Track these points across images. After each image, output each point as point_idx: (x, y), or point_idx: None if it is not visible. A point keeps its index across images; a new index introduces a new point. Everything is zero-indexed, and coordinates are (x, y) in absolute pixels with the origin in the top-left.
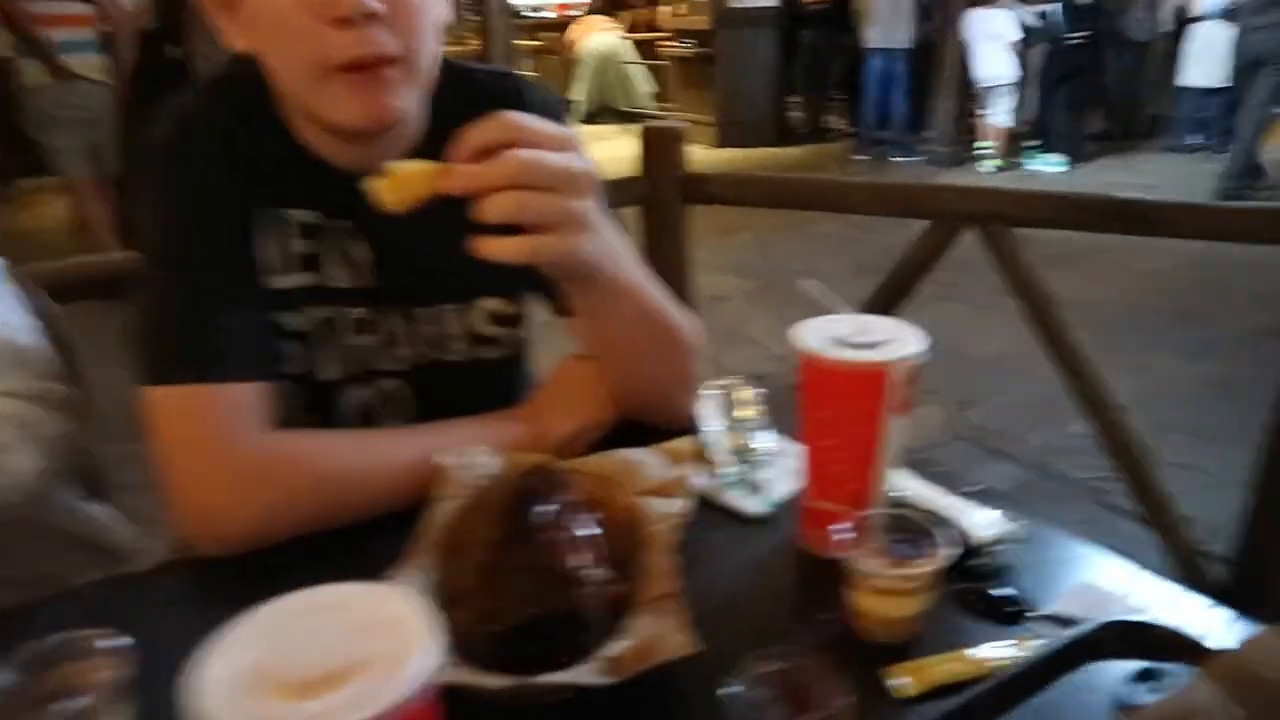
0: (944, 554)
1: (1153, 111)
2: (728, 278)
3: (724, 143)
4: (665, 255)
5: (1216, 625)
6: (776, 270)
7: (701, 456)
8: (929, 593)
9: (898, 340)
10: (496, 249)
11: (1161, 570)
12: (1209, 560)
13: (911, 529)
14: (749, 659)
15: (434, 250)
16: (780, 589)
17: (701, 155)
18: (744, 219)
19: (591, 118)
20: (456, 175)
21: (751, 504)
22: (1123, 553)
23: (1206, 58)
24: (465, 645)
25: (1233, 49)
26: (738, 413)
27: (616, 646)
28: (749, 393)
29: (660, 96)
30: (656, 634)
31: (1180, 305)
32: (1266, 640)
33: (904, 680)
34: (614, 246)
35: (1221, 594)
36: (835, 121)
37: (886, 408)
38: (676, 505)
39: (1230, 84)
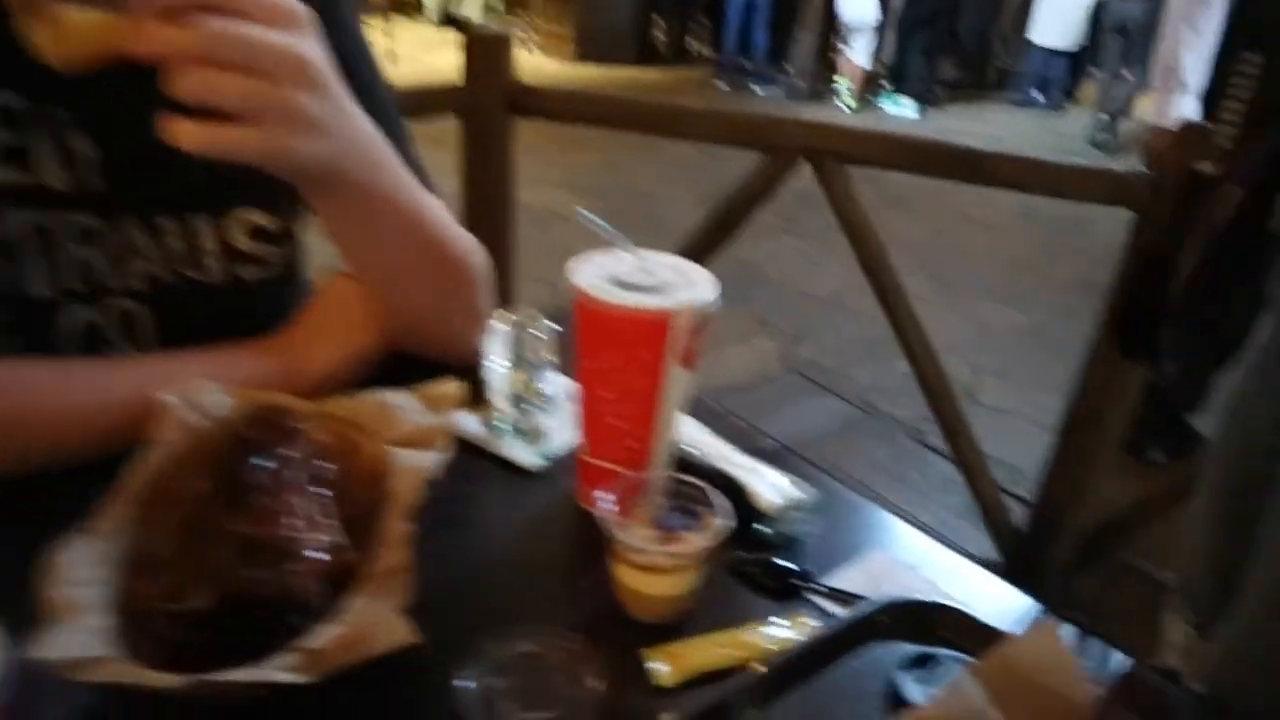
0: (717, 528)
1: (1001, 65)
2: (571, 195)
3: (582, 58)
4: (486, 169)
5: (1001, 605)
6: (624, 190)
7: (465, 401)
8: (698, 570)
9: (686, 284)
10: (180, 134)
11: (967, 509)
12: (1011, 500)
13: (688, 496)
14: (491, 642)
15: (177, 149)
16: (550, 555)
17: (555, 69)
18: (596, 137)
19: (449, 22)
20: (136, 35)
21: (527, 455)
22: (934, 491)
23: (1057, 17)
24: (145, 628)
25: (1092, 13)
26: (528, 352)
27: (321, 635)
28: (543, 329)
29: (518, 4)
30: (370, 620)
31: (1009, 255)
32: (1035, 638)
33: (663, 667)
34: (368, 152)
35: (1018, 540)
36: (699, 46)
37: (669, 359)
38: (427, 459)
39: (1078, 48)
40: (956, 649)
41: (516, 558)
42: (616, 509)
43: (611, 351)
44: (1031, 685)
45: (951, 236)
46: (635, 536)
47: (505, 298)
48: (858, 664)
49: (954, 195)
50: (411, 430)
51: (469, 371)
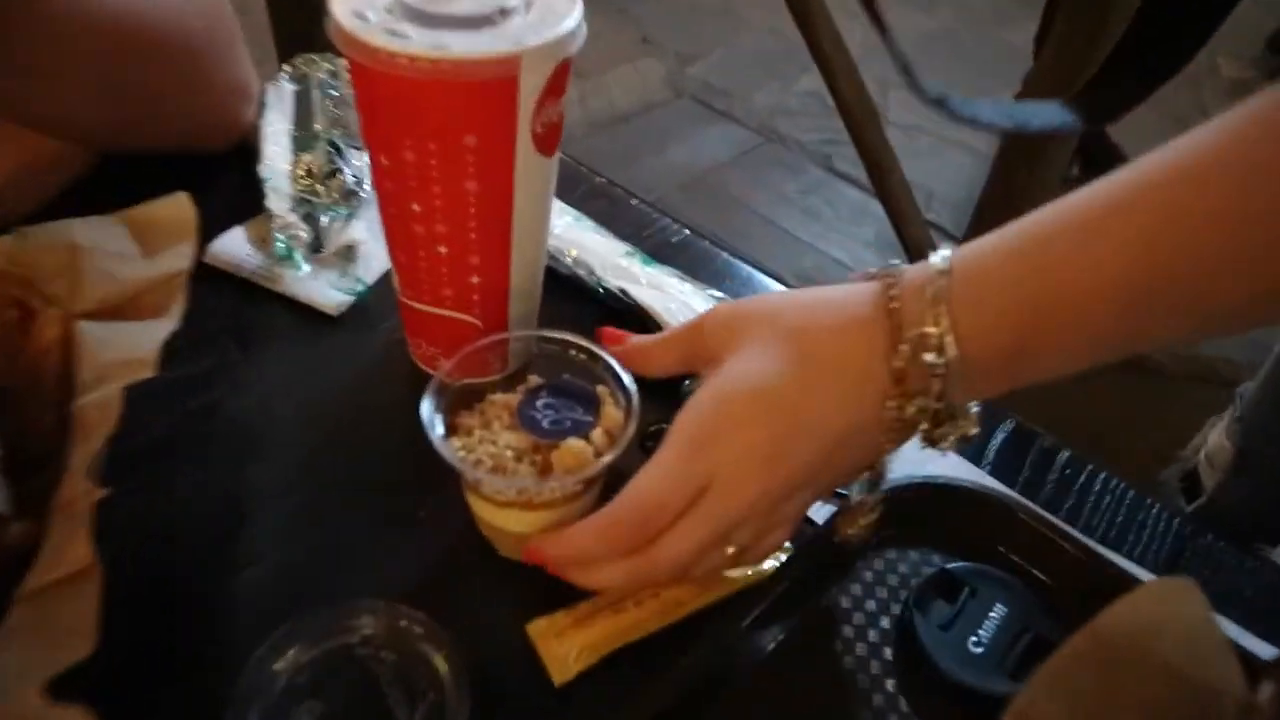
0: (619, 425)
1: None
2: None
3: None
4: None
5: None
6: None
7: (191, 228)
8: (582, 500)
9: (532, 9)
10: None
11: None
12: (934, 231)
13: (573, 366)
14: (281, 631)
15: None
16: (371, 463)
17: None
18: None
19: None
20: None
21: (325, 290)
22: (845, 224)
23: None
24: None
25: None
26: (318, 122)
27: None
28: (345, 81)
29: None
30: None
31: None
32: (1159, 596)
33: (560, 648)
34: None
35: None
36: None
37: (519, 141)
38: (144, 339)
39: None
40: (993, 563)
41: (320, 472)
42: (447, 414)
43: (416, 138)
44: (1148, 661)
45: None
46: (492, 452)
47: (293, 41)
48: (846, 597)
49: None
50: (116, 289)
51: (236, 157)
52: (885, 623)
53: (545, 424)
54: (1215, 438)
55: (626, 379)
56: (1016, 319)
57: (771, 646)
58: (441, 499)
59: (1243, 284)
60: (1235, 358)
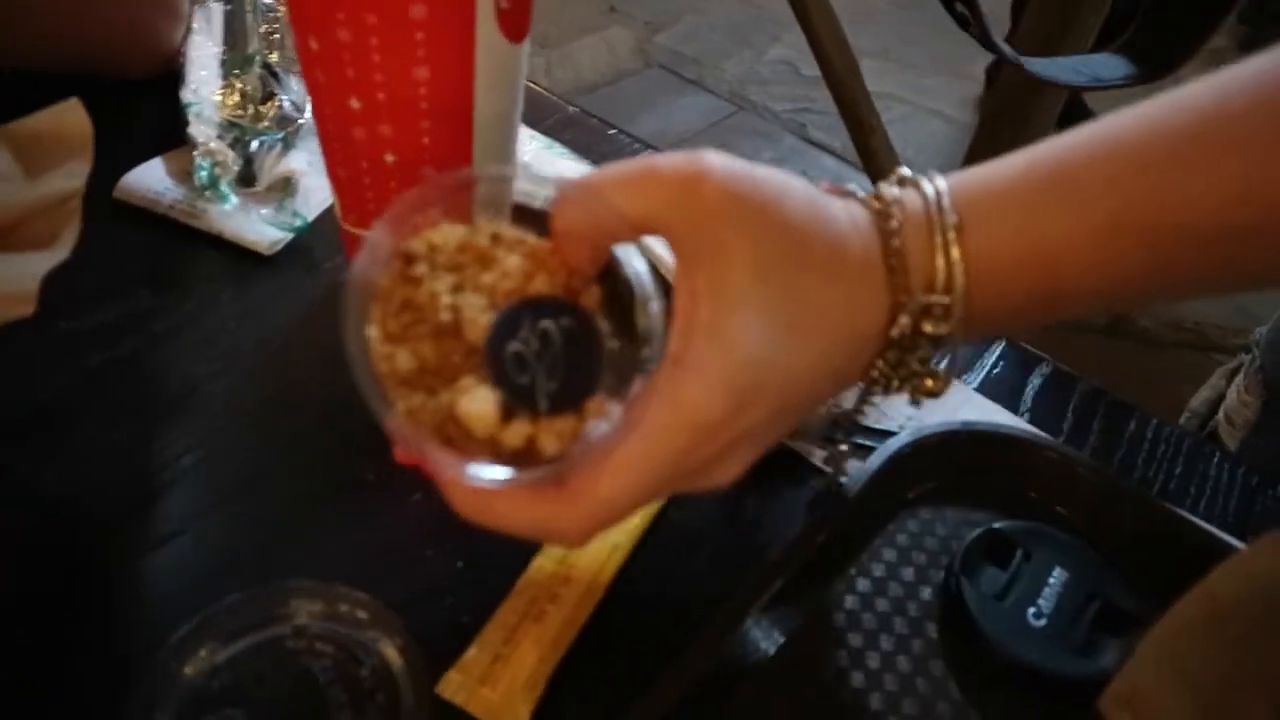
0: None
1: None
2: None
3: None
4: None
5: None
6: None
7: (86, 141)
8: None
9: None
10: None
11: None
12: None
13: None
14: (206, 621)
15: None
16: (315, 422)
17: None
18: None
19: None
20: None
21: (258, 226)
22: None
23: None
24: None
25: None
26: (251, 40)
27: None
28: None
29: None
30: None
31: None
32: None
33: (499, 702)
34: None
35: None
36: None
37: (480, 18)
38: (27, 274)
39: None
40: (1044, 521)
41: (247, 435)
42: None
43: (351, 8)
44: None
45: None
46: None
47: None
48: (879, 563)
49: None
50: None
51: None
52: (926, 593)
53: (522, 381)
54: (1233, 394)
55: (637, 268)
56: (1034, 279)
57: (795, 628)
58: (393, 463)
59: None
60: (1222, 322)
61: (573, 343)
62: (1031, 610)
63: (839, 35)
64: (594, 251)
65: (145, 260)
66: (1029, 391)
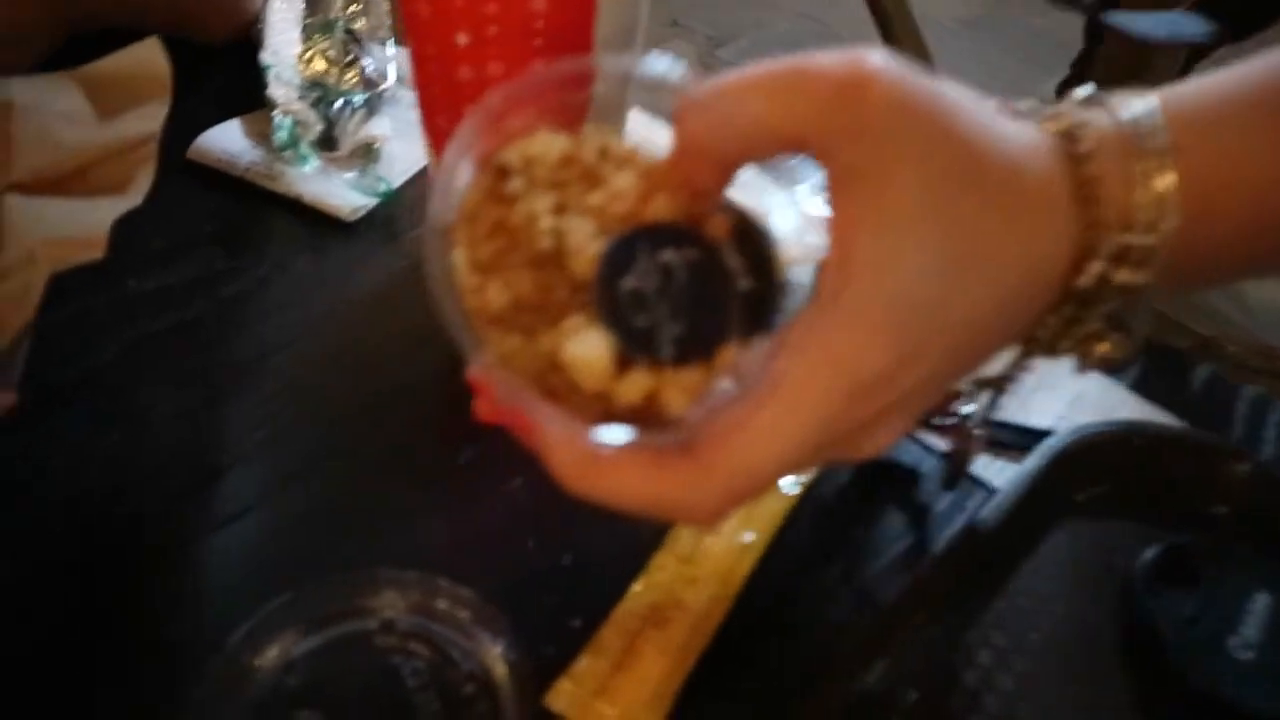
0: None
1: None
2: None
3: None
4: None
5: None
6: None
7: (164, 83)
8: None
9: None
10: None
11: None
12: None
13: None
14: (281, 609)
15: None
16: (408, 395)
17: None
18: None
19: None
20: None
21: (340, 191)
22: None
23: None
24: None
25: None
26: (335, 9)
27: None
28: None
29: None
30: None
31: None
32: None
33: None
34: None
35: None
36: None
37: None
38: (94, 217)
39: None
40: (1228, 537)
41: (326, 409)
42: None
43: None
44: None
45: None
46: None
47: None
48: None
49: None
50: (60, 157)
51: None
52: (1097, 614)
53: (640, 324)
54: None
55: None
56: (1246, 212)
57: (947, 647)
58: (490, 442)
59: None
60: None
61: (699, 280)
62: (1234, 640)
63: (923, 47)
64: (723, 170)
65: (218, 222)
66: (1190, 395)
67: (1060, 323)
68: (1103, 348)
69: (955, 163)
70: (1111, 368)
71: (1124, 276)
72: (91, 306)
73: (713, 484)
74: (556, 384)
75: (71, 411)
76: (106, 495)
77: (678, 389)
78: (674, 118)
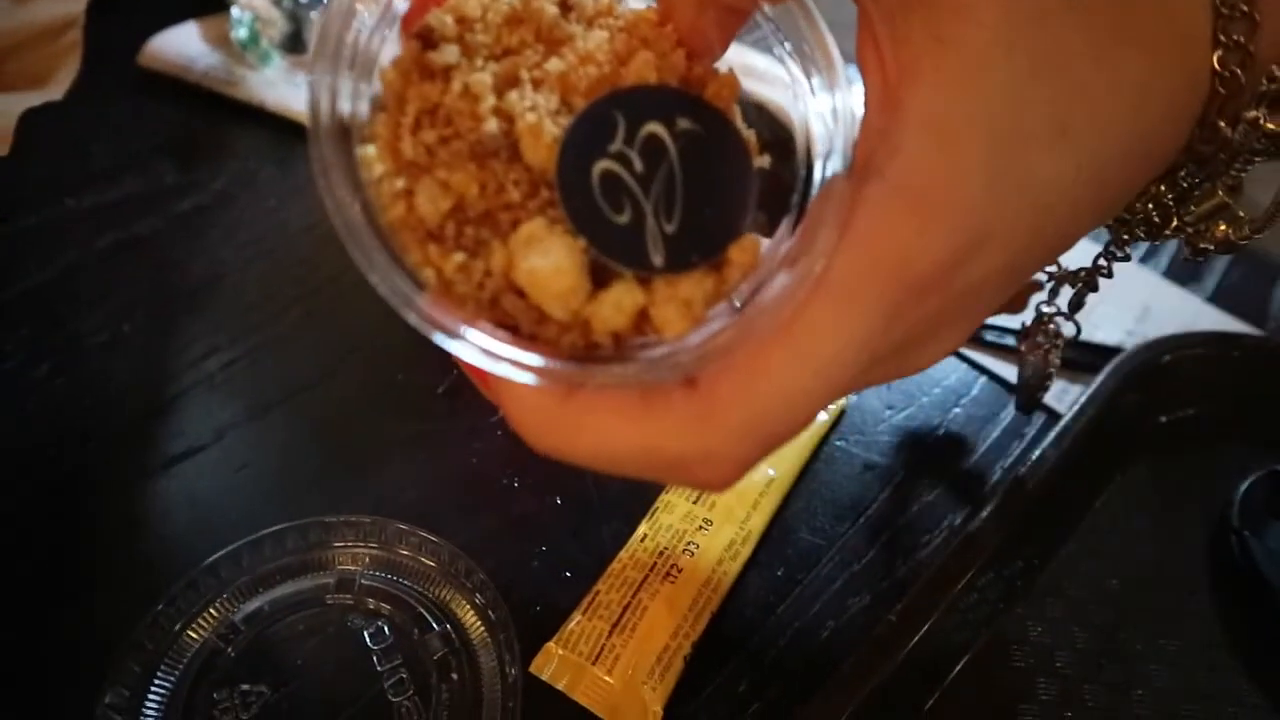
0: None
1: None
2: None
3: None
4: None
5: None
6: None
7: None
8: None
9: None
10: None
11: None
12: None
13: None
14: (187, 585)
15: None
16: (351, 318)
17: None
18: None
19: None
20: None
21: (301, 95)
22: None
23: None
24: None
25: None
26: None
27: None
28: None
29: None
30: None
31: None
32: None
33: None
34: None
35: None
36: None
37: None
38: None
39: None
40: None
41: (289, 338)
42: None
43: None
44: None
45: None
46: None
47: None
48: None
49: None
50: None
51: None
52: (1194, 552)
53: (620, 220)
54: None
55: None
56: None
57: (1024, 587)
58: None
59: None
60: None
61: (699, 158)
62: None
63: None
64: (725, 20)
65: (170, 133)
66: (1276, 307)
67: (1172, 192)
68: (1223, 229)
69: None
70: (1231, 252)
71: (1275, 124)
72: (25, 224)
73: (726, 426)
74: (517, 310)
75: (2, 339)
76: (41, 427)
77: (675, 304)
78: None
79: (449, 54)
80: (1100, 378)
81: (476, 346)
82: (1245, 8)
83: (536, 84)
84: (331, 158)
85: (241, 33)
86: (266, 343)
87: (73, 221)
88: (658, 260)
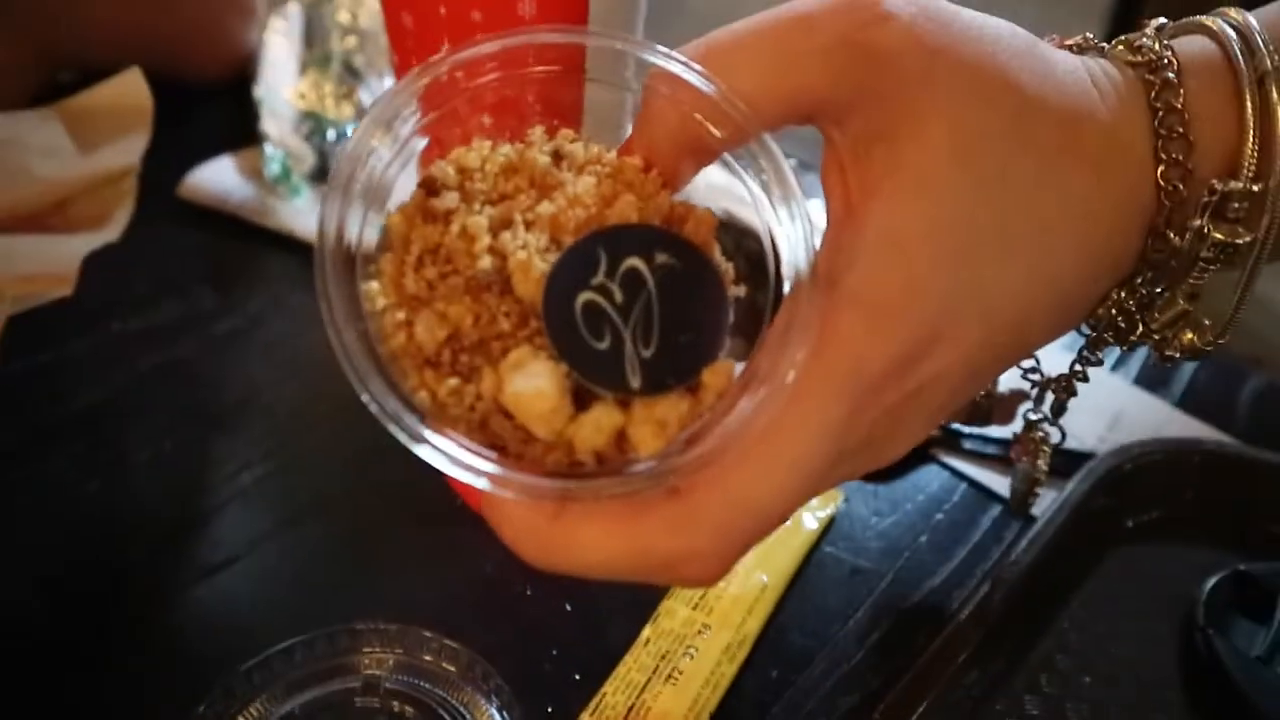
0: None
1: None
2: None
3: None
4: None
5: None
6: None
7: (145, 115)
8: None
9: None
10: None
11: None
12: None
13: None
14: (225, 689)
15: None
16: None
17: None
18: None
19: None
20: None
21: None
22: None
23: None
24: None
25: None
26: (332, 39)
27: None
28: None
29: None
30: None
31: None
32: None
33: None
34: None
35: None
36: None
37: None
38: (66, 251)
39: None
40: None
41: (317, 454)
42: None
43: None
44: None
45: None
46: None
47: None
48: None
49: None
50: (37, 191)
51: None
52: (1161, 652)
53: (600, 346)
54: None
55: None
56: None
57: (993, 692)
58: None
59: None
60: None
61: (675, 287)
62: None
63: None
64: (699, 160)
65: (208, 261)
66: (1241, 408)
67: (1134, 300)
68: (1187, 336)
69: (997, 114)
70: (1197, 358)
71: (1222, 234)
72: (76, 349)
73: (707, 524)
74: (505, 431)
75: (54, 455)
76: (87, 543)
77: (650, 425)
78: (645, 90)
79: (450, 200)
80: (1071, 484)
81: (461, 462)
82: (1180, 129)
83: (529, 225)
84: (334, 287)
85: (274, 168)
86: (295, 458)
87: (119, 345)
88: (635, 383)
